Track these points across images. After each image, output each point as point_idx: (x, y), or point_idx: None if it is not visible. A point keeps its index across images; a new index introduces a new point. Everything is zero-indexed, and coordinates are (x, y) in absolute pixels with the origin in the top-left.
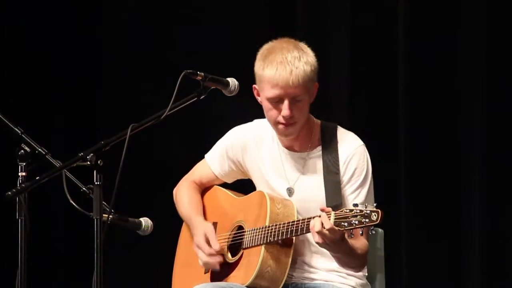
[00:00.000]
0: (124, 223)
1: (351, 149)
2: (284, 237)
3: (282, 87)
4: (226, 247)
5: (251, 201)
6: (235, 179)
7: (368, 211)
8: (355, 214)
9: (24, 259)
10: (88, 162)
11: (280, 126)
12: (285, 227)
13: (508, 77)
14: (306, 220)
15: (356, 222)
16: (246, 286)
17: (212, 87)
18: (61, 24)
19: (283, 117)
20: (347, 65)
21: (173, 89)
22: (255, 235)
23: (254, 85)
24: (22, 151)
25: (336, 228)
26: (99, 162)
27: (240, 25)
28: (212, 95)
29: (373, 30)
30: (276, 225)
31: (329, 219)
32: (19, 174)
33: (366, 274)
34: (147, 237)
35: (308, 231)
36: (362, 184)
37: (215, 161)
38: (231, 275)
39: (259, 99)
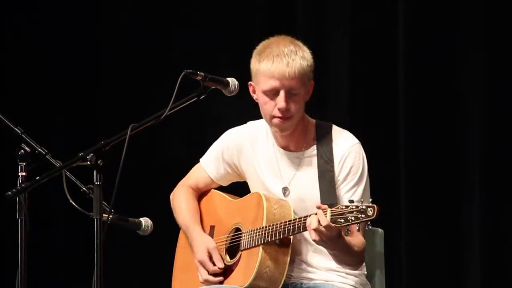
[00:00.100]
0: (124, 223)
1: (346, 147)
2: (281, 237)
3: (278, 79)
4: (224, 249)
5: (247, 202)
6: (231, 182)
7: (364, 207)
8: (351, 210)
9: (24, 259)
10: (88, 162)
11: (276, 120)
12: (282, 227)
13: (508, 77)
14: (302, 218)
15: (353, 218)
16: None
17: (212, 87)
18: (61, 24)
19: (279, 109)
20: (347, 65)
21: (173, 89)
22: (253, 236)
23: (249, 82)
24: (22, 151)
25: (333, 224)
26: (99, 162)
27: (240, 25)
28: (212, 95)
29: (373, 30)
30: (273, 225)
31: (326, 216)
32: (19, 174)
33: (365, 272)
34: (147, 237)
35: (305, 229)
36: (358, 182)
37: (211, 165)
38: (230, 277)
39: (254, 96)
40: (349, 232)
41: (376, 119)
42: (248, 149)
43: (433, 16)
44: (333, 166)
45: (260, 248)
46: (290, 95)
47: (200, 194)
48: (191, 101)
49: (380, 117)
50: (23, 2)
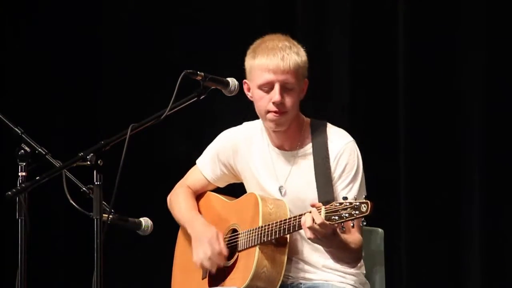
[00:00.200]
0: (124, 223)
1: (341, 145)
2: (277, 236)
3: (273, 72)
4: None
5: (243, 203)
6: (228, 183)
7: (357, 203)
8: (345, 207)
9: (24, 259)
10: (88, 162)
11: (271, 115)
12: (278, 226)
13: (508, 77)
14: (297, 217)
15: (347, 214)
16: None
17: (212, 87)
18: (61, 24)
19: (274, 103)
20: (347, 65)
21: (173, 89)
22: (249, 237)
23: (244, 80)
24: (22, 151)
25: (327, 222)
26: (99, 162)
27: (240, 25)
28: (212, 95)
29: (373, 30)
30: (269, 225)
31: (320, 214)
32: (19, 174)
33: (364, 272)
34: (147, 237)
35: (300, 228)
36: (353, 179)
37: (207, 166)
38: (228, 278)
39: (249, 94)
40: (344, 229)
41: (376, 119)
42: (243, 150)
43: (433, 16)
44: (329, 164)
45: (257, 248)
46: (284, 90)
47: (196, 196)
48: (191, 101)
49: (380, 117)
50: (23, 2)
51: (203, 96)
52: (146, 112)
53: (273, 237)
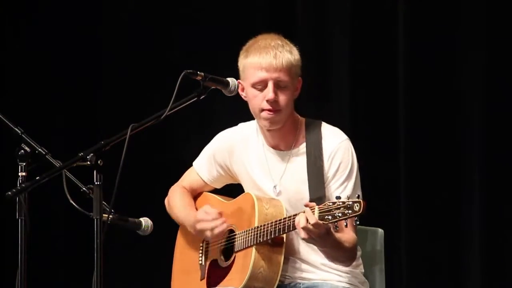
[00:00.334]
0: (124, 223)
1: (335, 144)
2: (273, 236)
3: (266, 70)
4: (219, 252)
5: (239, 204)
6: (224, 184)
7: (350, 202)
8: (338, 206)
9: (24, 259)
10: (88, 162)
11: (265, 113)
12: (273, 226)
13: (508, 77)
14: (292, 217)
15: (340, 214)
16: None
17: (212, 87)
18: (61, 24)
19: (268, 101)
20: (347, 65)
21: (173, 89)
22: (246, 237)
23: (238, 80)
24: (22, 151)
25: (321, 222)
26: (99, 162)
27: (240, 25)
28: (212, 95)
29: (373, 30)
30: (264, 225)
31: (313, 214)
32: (19, 174)
33: (363, 271)
34: (147, 237)
35: (294, 228)
36: (347, 178)
37: (203, 167)
38: (226, 279)
39: (243, 94)
40: (337, 228)
41: (376, 119)
42: (239, 151)
43: (433, 16)
44: (322, 162)
45: (253, 248)
46: (278, 88)
47: (194, 197)
48: (191, 101)
49: (380, 117)
50: (23, 2)
51: (203, 96)
52: (146, 112)
53: (269, 237)
